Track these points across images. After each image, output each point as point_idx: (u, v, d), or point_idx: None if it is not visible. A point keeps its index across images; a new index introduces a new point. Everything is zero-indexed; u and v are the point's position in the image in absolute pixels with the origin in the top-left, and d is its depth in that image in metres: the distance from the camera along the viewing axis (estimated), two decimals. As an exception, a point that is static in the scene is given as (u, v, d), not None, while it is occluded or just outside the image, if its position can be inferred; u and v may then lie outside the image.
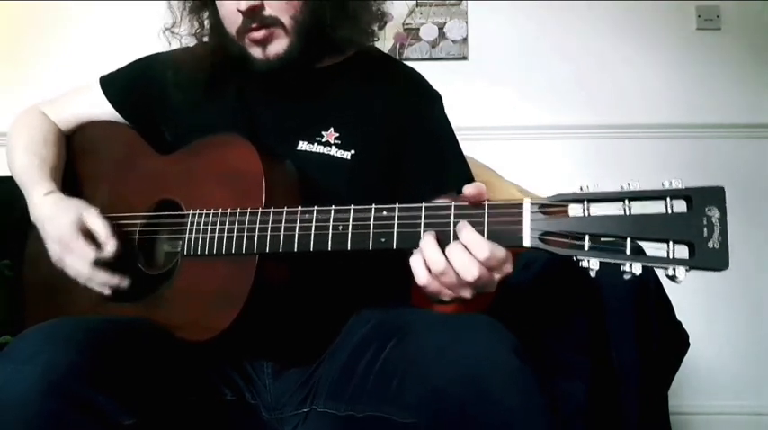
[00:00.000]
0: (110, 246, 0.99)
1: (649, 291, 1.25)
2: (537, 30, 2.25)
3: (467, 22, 2.26)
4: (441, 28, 2.26)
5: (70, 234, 0.99)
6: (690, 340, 1.36)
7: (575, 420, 1.13)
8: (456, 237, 0.79)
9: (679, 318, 1.34)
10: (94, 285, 1.00)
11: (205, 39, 1.12)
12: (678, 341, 1.34)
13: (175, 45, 1.13)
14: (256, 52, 1.02)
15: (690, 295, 1.83)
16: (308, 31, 1.02)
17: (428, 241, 0.79)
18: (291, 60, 1.02)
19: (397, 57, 2.22)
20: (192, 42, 1.13)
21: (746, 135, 2.19)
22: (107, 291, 1.00)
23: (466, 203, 0.80)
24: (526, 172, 1.83)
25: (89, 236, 1.00)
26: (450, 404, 0.76)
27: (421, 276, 0.79)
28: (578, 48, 2.24)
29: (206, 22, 1.11)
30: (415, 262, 0.80)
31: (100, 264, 0.99)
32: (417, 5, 2.27)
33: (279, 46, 1.01)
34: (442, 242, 0.79)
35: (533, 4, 2.25)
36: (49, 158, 1.13)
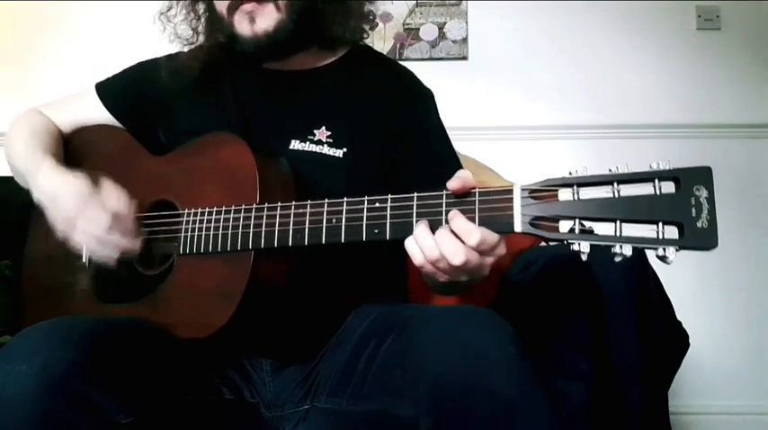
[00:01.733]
0: (129, 215, 0.97)
1: (650, 291, 1.25)
2: (537, 30, 2.25)
3: (467, 22, 2.26)
4: (441, 28, 2.26)
5: (88, 194, 0.96)
6: (690, 340, 1.36)
7: (575, 420, 1.13)
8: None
9: (679, 317, 1.34)
10: (105, 249, 0.97)
11: (199, 30, 1.12)
12: (678, 341, 1.34)
13: (169, 31, 1.13)
14: (245, 29, 1.02)
15: (689, 295, 1.83)
16: (300, 13, 1.02)
17: (422, 229, 0.80)
18: (280, 40, 1.02)
19: (397, 57, 2.22)
20: (184, 29, 1.13)
21: (746, 135, 2.19)
22: (113, 258, 0.97)
23: None
24: (525, 172, 1.82)
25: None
26: (451, 396, 0.76)
27: (417, 257, 0.80)
28: (578, 48, 2.24)
29: (201, 13, 1.11)
30: (410, 243, 0.81)
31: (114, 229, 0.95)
32: (417, 5, 2.27)
33: (268, 21, 1.01)
34: (434, 230, 0.80)
35: (533, 4, 2.25)
36: (51, 148, 1.12)
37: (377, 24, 1.17)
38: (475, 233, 0.77)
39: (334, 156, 1.04)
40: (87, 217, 0.96)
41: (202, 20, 1.12)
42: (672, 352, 1.31)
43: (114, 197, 0.97)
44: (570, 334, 1.19)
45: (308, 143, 1.04)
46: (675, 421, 1.42)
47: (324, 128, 1.05)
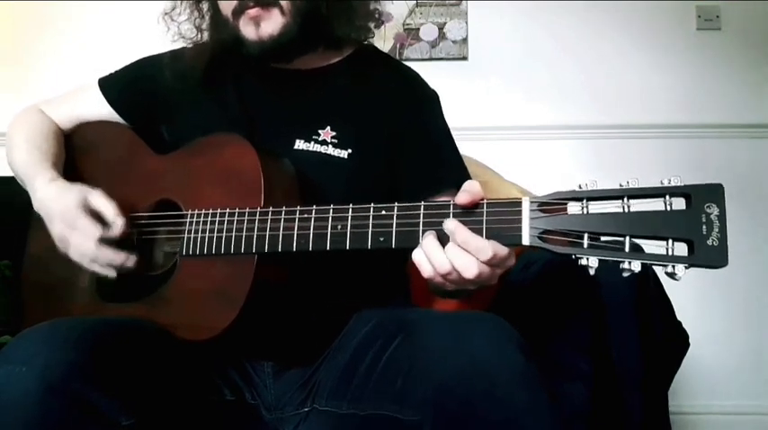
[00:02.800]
0: (117, 225, 0.98)
1: (650, 291, 1.25)
2: (537, 30, 2.25)
3: (467, 22, 2.26)
4: (441, 28, 2.26)
5: (75, 212, 0.97)
6: (690, 340, 1.35)
7: (575, 421, 1.13)
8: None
9: (679, 318, 1.34)
10: (99, 266, 0.98)
11: (203, 27, 1.12)
12: (678, 341, 1.34)
13: (173, 31, 1.14)
14: (250, 33, 1.02)
15: (690, 295, 1.82)
16: (305, 16, 1.02)
17: (431, 242, 0.79)
18: (284, 43, 1.02)
19: (397, 57, 2.22)
20: (189, 29, 1.13)
21: (746, 135, 2.19)
22: (112, 273, 0.98)
23: None
24: (526, 172, 1.83)
25: (95, 216, 0.99)
26: (455, 402, 0.76)
27: (426, 270, 0.80)
28: (578, 48, 2.24)
29: (205, 12, 1.12)
30: (418, 256, 0.80)
31: (105, 243, 0.97)
32: (417, 5, 2.27)
33: (273, 25, 1.01)
34: (442, 241, 0.79)
35: (533, 4, 2.24)
36: (50, 152, 1.12)
37: (382, 22, 1.17)
38: (487, 249, 0.76)
39: (338, 157, 1.04)
40: (76, 237, 0.97)
41: (206, 19, 1.12)
42: (672, 352, 1.31)
43: (104, 212, 0.99)
44: (570, 334, 1.19)
45: (312, 143, 1.04)
46: (675, 421, 1.42)
47: (329, 128, 1.05)
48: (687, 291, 1.65)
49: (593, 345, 1.18)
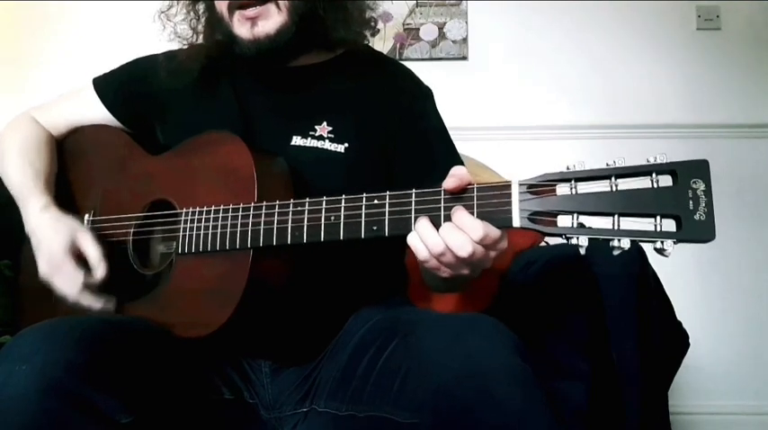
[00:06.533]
0: (99, 271, 1.00)
1: (650, 291, 1.25)
2: (537, 30, 2.25)
3: (467, 22, 2.26)
4: (441, 28, 2.26)
5: (62, 256, 1.00)
6: (690, 340, 1.36)
7: (575, 421, 1.13)
8: (448, 220, 0.79)
9: (679, 317, 1.34)
10: (81, 306, 1.01)
11: (198, 29, 1.12)
12: (678, 341, 1.34)
13: (169, 30, 1.14)
14: (244, 32, 1.02)
15: (689, 295, 1.83)
16: (302, 16, 1.02)
17: (424, 224, 0.80)
18: (280, 43, 1.02)
19: (397, 57, 2.22)
20: (184, 29, 1.13)
21: (747, 135, 2.19)
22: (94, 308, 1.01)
23: None
24: (526, 172, 1.83)
25: (80, 258, 1.01)
26: (453, 404, 0.76)
27: (421, 252, 0.80)
28: (578, 48, 2.24)
29: (201, 13, 1.12)
30: (413, 239, 0.80)
31: (88, 287, 1.00)
32: (417, 5, 2.27)
33: (270, 25, 1.01)
34: (435, 225, 0.80)
35: (533, 4, 2.25)
36: (42, 168, 1.13)
37: (378, 30, 1.17)
38: (478, 226, 0.77)
39: (335, 152, 1.04)
40: (60, 280, 1.01)
41: (202, 20, 1.12)
42: (672, 352, 1.31)
43: (89, 257, 1.01)
44: (570, 334, 1.19)
45: (309, 139, 1.04)
46: (675, 421, 1.42)
47: (325, 123, 1.05)
48: (687, 292, 1.65)
49: (592, 345, 1.18)
